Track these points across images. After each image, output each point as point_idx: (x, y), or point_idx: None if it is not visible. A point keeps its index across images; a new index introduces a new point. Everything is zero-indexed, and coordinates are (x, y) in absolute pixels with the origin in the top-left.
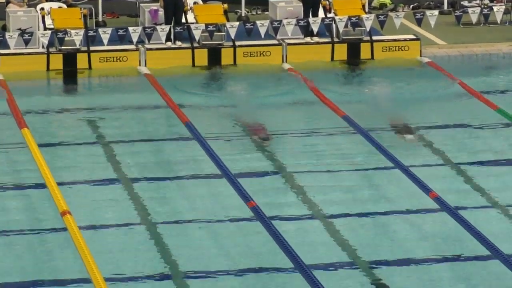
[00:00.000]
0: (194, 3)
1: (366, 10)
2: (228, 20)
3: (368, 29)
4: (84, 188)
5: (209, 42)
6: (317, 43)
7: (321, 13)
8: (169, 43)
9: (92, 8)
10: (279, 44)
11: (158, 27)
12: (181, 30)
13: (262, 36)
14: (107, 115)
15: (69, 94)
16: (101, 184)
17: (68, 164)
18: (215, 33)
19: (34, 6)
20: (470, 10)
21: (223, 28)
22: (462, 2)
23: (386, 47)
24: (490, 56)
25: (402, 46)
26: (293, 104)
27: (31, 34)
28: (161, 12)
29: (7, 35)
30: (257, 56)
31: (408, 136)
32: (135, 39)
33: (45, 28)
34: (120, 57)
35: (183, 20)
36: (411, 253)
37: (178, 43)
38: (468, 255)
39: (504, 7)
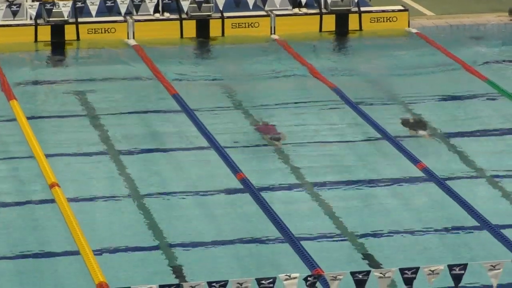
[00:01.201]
0: None
1: None
2: None
3: (356, 0)
4: (72, 160)
5: (197, 14)
6: (305, 14)
7: None
8: (157, 15)
9: None
10: (267, 15)
11: None
12: (169, 1)
13: (251, 7)
14: (95, 86)
15: (57, 66)
16: (89, 156)
17: (56, 136)
18: (203, 4)
19: None
20: None
21: None
22: None
23: (374, 18)
24: (478, 27)
25: (390, 17)
26: (282, 76)
27: (19, 5)
28: None
29: None
30: (245, 27)
31: (421, 132)
32: (123, 10)
33: (33, 0)
34: (108, 28)
35: None
36: (399, 224)
37: (166, 15)
38: (456, 225)
39: None
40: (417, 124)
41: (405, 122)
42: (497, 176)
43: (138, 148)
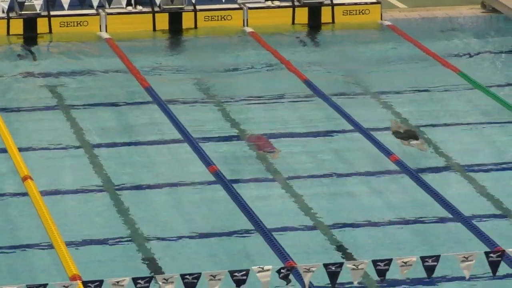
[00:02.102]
0: None
1: None
2: None
3: None
4: (45, 153)
5: (169, 6)
6: (278, 6)
7: None
8: (129, 8)
9: None
10: (240, 8)
11: None
12: None
13: (223, 0)
14: (68, 80)
15: (29, 59)
16: (62, 149)
17: (29, 129)
18: None
19: None
20: None
21: None
22: None
23: (347, 10)
24: (451, 19)
25: (362, 10)
26: (254, 68)
27: None
28: None
29: None
30: (218, 20)
31: (414, 141)
32: (95, 3)
33: None
34: (80, 21)
35: None
36: (373, 216)
37: (139, 8)
38: (429, 217)
39: None
40: (408, 134)
41: (396, 132)
42: (470, 168)
43: (111, 140)
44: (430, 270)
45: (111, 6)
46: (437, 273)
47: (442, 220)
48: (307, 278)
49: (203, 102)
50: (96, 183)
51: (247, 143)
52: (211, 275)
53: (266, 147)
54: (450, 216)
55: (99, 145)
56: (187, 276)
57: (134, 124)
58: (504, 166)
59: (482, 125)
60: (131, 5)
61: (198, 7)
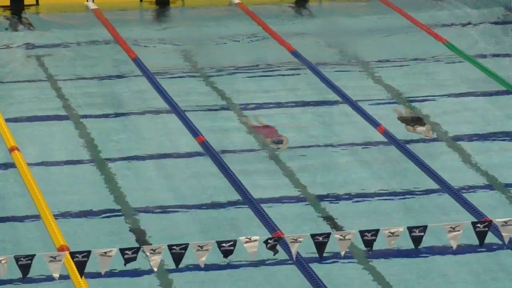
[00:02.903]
0: None
1: None
2: None
3: None
4: (32, 125)
5: None
6: None
7: None
8: None
9: None
10: None
11: None
12: None
13: None
14: (55, 51)
15: (16, 31)
16: (49, 120)
17: (15, 101)
18: None
19: None
20: None
21: None
22: None
23: None
24: None
25: None
26: (242, 40)
27: None
28: None
29: None
30: None
31: (420, 128)
32: None
33: None
34: None
35: None
36: (361, 188)
37: None
38: (416, 188)
39: None
40: (415, 120)
41: (402, 118)
42: (457, 139)
43: (98, 112)
44: (417, 240)
45: None
46: (424, 243)
47: (429, 191)
48: (294, 249)
49: (190, 73)
50: (83, 154)
51: (253, 131)
52: (199, 246)
53: (273, 135)
54: (438, 187)
55: (86, 116)
56: (175, 247)
57: (122, 95)
58: (491, 137)
59: (469, 95)
60: None
61: None
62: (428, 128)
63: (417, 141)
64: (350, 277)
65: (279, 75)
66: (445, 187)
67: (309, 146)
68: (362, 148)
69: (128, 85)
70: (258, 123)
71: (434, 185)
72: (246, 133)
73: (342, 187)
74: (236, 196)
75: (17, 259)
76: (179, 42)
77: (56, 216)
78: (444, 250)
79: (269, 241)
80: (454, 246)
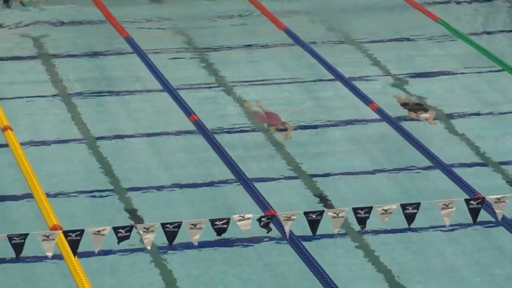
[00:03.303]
0: None
1: None
2: None
3: None
4: (24, 104)
5: None
6: None
7: None
8: None
9: None
10: None
11: None
12: None
13: None
14: (47, 30)
15: (8, 9)
16: (42, 99)
17: (8, 79)
18: None
19: None
20: None
21: None
22: None
23: None
24: None
25: None
26: (233, 17)
27: None
28: None
29: None
30: None
31: (423, 114)
32: None
33: None
34: None
35: None
36: (352, 165)
37: None
38: (409, 165)
39: None
40: (417, 106)
41: (404, 104)
42: (450, 116)
43: (91, 91)
44: (410, 218)
45: None
46: (417, 221)
47: (422, 168)
48: (287, 227)
49: (183, 51)
50: (76, 133)
51: (256, 120)
52: (192, 224)
53: (276, 121)
54: (431, 163)
55: (79, 95)
56: (168, 225)
57: (114, 74)
58: (483, 113)
59: (461, 73)
60: None
61: None
62: (431, 114)
63: (410, 119)
64: (343, 255)
65: (271, 52)
66: (437, 164)
67: (301, 124)
68: (354, 125)
69: (120, 64)
70: (262, 110)
71: (427, 162)
72: (239, 111)
73: (335, 165)
74: (229, 175)
75: (10, 238)
76: (171, 20)
77: (49, 196)
78: (437, 227)
79: (262, 219)
80: (447, 223)
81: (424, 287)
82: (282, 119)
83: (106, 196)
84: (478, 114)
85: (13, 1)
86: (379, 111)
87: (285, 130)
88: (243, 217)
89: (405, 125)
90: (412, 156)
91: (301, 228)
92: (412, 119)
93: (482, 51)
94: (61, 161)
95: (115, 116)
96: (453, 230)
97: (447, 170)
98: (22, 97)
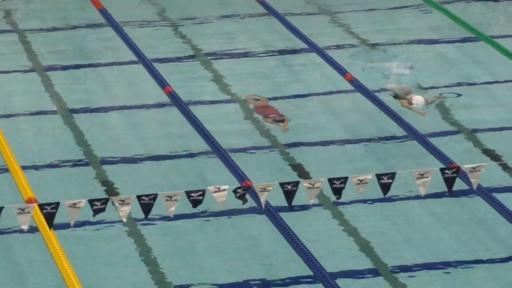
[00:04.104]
0: None
1: None
2: None
3: None
4: None
5: None
6: None
7: None
8: None
9: None
10: None
11: None
12: None
13: None
14: (20, 3)
15: None
16: (15, 72)
17: None
18: None
19: None
20: None
21: None
22: None
23: None
24: None
25: None
26: None
27: None
28: None
29: None
30: None
31: (416, 100)
32: None
33: None
34: None
35: None
36: (328, 135)
37: None
38: (384, 135)
39: None
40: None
41: (395, 94)
42: (424, 85)
43: (65, 63)
44: (385, 187)
45: None
46: (392, 191)
47: (395, 137)
48: (263, 197)
49: (157, 23)
50: (50, 105)
51: (254, 111)
52: (168, 196)
53: (274, 113)
54: (406, 133)
55: (53, 68)
56: (144, 197)
57: (88, 46)
58: (457, 83)
59: (437, 42)
60: None
61: None
62: (422, 101)
63: (385, 89)
64: (319, 225)
65: (247, 24)
66: (413, 133)
67: (275, 94)
68: (330, 96)
69: (95, 36)
70: (261, 100)
71: (402, 132)
72: (213, 82)
73: (309, 135)
74: (204, 146)
75: None
76: None
77: (24, 168)
78: (412, 197)
79: (238, 190)
80: (423, 193)
81: (400, 256)
82: (262, 94)
83: (81, 168)
84: (451, 83)
85: None
86: (353, 81)
87: (282, 121)
88: (219, 189)
89: (380, 94)
90: (387, 125)
91: (278, 199)
92: (386, 89)
93: (457, 20)
94: (35, 133)
95: (89, 89)
96: (428, 199)
97: (422, 139)
98: None
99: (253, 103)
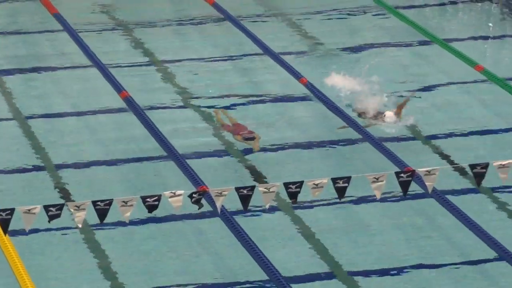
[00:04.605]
0: None
1: None
2: None
3: None
4: None
5: None
6: None
7: None
8: None
9: None
10: None
11: None
12: None
13: None
14: None
15: None
16: None
17: None
18: None
19: None
20: None
21: None
22: None
23: None
24: None
25: None
26: None
27: None
28: None
29: None
30: None
31: (387, 116)
32: None
33: None
34: None
35: None
36: (283, 139)
37: None
38: (339, 139)
39: None
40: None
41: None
42: (378, 89)
43: (20, 68)
44: (341, 191)
45: None
46: (348, 194)
47: (352, 141)
48: (219, 202)
49: (112, 28)
50: (6, 111)
51: (222, 130)
52: (123, 201)
53: (243, 131)
54: (360, 136)
55: (7, 72)
56: (99, 203)
57: (44, 51)
58: (411, 86)
59: (390, 46)
60: None
61: None
62: (396, 112)
63: (339, 90)
64: (276, 229)
65: (200, 28)
66: (367, 137)
67: (231, 99)
68: (284, 100)
69: (50, 41)
70: (228, 120)
71: (356, 135)
72: (170, 87)
73: (265, 139)
74: (160, 151)
75: None
76: None
77: None
78: (368, 200)
79: (194, 195)
80: (378, 196)
81: (352, 260)
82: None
83: (37, 173)
84: (405, 86)
85: None
86: (308, 85)
87: (252, 139)
88: (175, 194)
89: (334, 98)
90: (342, 131)
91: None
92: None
93: (411, 23)
94: None
95: (45, 94)
96: (384, 202)
97: (377, 143)
98: None
99: (221, 121)
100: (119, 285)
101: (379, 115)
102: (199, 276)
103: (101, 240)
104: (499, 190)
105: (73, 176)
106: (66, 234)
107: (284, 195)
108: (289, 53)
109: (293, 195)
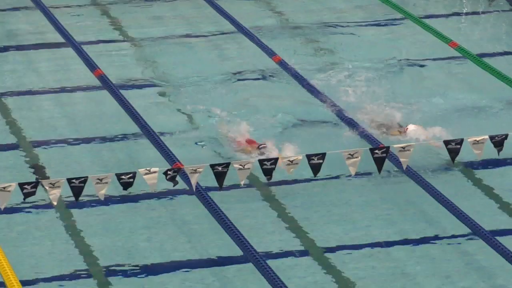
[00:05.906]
0: None
1: None
2: None
3: None
4: None
5: None
6: None
7: None
8: None
9: None
10: None
11: None
12: None
13: None
14: None
15: None
16: None
17: None
18: None
19: None
20: None
21: None
22: None
23: None
24: None
25: None
26: None
27: None
28: None
29: None
30: None
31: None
32: None
33: None
34: None
35: None
36: (258, 118)
37: None
38: (314, 119)
39: None
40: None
41: (378, 125)
42: (354, 69)
43: None
44: (316, 168)
45: None
46: (322, 171)
47: (325, 120)
48: (194, 179)
49: (85, 5)
50: None
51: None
52: (98, 179)
53: (255, 143)
54: (335, 117)
55: None
56: (74, 180)
57: (17, 29)
58: (386, 67)
59: (364, 25)
60: None
61: None
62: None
63: (316, 70)
64: (250, 207)
65: (170, 2)
66: (341, 117)
67: (205, 77)
68: (260, 78)
69: (24, 19)
70: (242, 137)
71: (331, 117)
72: (144, 65)
73: (242, 118)
74: (135, 128)
75: None
76: None
77: None
78: (343, 177)
79: (168, 172)
80: (353, 173)
81: (323, 234)
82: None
83: (11, 152)
84: (380, 68)
85: None
86: (281, 63)
87: (264, 146)
88: (149, 171)
89: (305, 74)
90: (316, 109)
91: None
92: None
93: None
94: None
95: (18, 72)
96: (357, 178)
97: (350, 122)
98: None
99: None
100: (94, 261)
101: (400, 128)
102: (173, 253)
103: (76, 218)
104: (475, 166)
105: (48, 153)
106: (40, 212)
107: (259, 172)
108: (260, 30)
109: (268, 172)
